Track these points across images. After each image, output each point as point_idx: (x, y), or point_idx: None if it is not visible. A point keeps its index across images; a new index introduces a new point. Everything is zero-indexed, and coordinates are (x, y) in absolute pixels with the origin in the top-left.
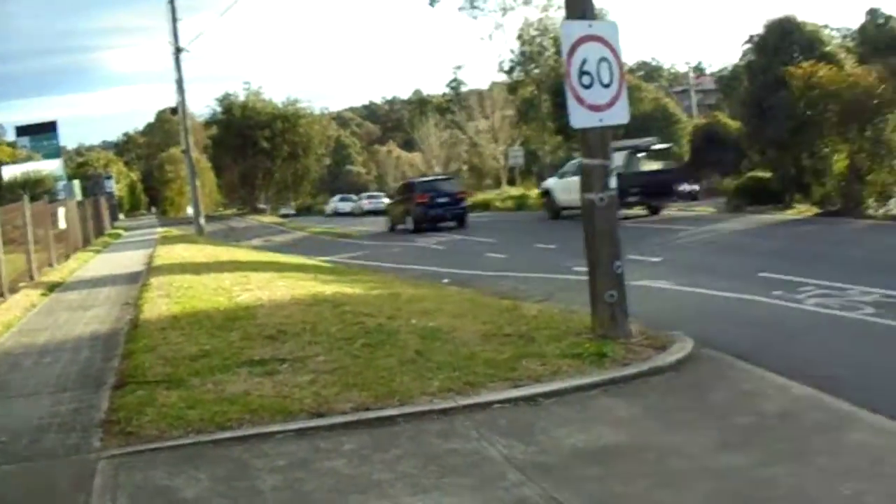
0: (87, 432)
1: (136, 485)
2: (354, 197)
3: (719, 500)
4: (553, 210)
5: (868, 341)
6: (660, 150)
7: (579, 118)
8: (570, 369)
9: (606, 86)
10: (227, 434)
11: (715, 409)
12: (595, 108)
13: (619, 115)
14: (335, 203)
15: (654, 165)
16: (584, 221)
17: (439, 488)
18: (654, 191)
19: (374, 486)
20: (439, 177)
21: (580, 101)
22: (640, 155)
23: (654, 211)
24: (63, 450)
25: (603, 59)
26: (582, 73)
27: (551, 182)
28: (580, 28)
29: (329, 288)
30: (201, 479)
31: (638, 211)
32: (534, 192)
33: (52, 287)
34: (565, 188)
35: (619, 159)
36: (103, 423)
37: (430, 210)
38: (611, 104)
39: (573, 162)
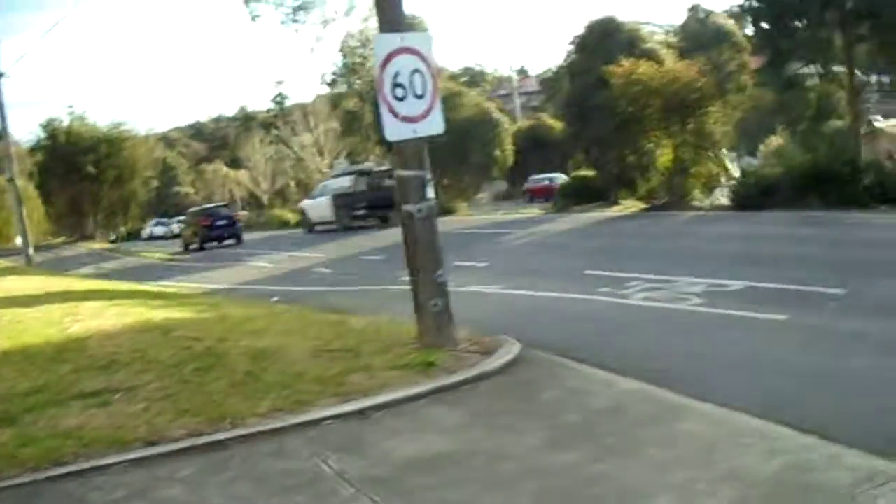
0: None
1: None
2: (167, 220)
3: (548, 498)
4: (308, 225)
5: (696, 331)
6: (383, 170)
7: (393, 130)
8: (398, 381)
9: (420, 97)
10: (63, 469)
11: (543, 410)
12: (409, 120)
13: (434, 126)
14: (150, 227)
15: (380, 183)
16: (403, 232)
17: None
18: (378, 205)
19: None
20: (219, 204)
21: (394, 113)
22: (366, 177)
23: (385, 220)
24: None
25: (416, 71)
26: (395, 85)
27: (305, 203)
28: (393, 41)
29: (159, 313)
30: None
31: (371, 222)
32: None
33: None
34: (315, 206)
35: (345, 183)
36: None
37: (213, 231)
38: (425, 115)
39: (322, 184)
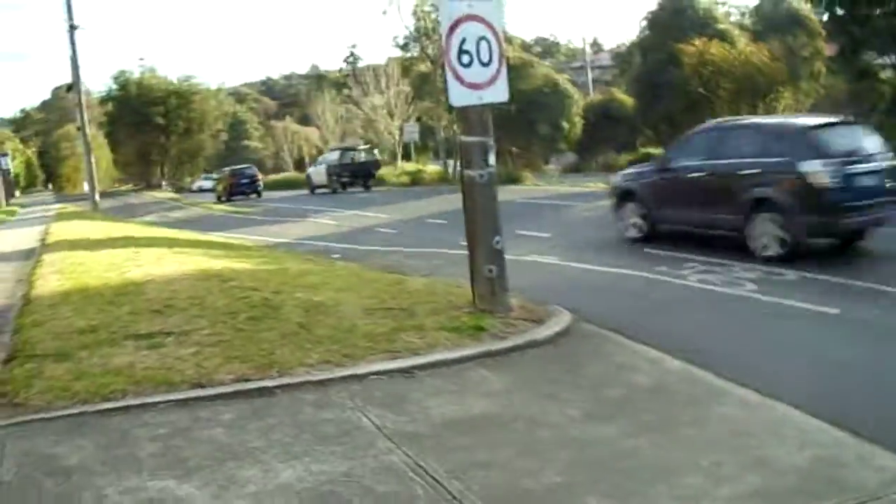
0: None
1: (22, 452)
2: (214, 175)
3: (580, 467)
4: (311, 187)
5: (746, 317)
6: (365, 149)
7: (458, 96)
8: (448, 342)
9: (486, 64)
10: (111, 404)
11: (586, 382)
12: (474, 87)
13: (499, 93)
14: (199, 181)
15: (360, 158)
16: (464, 198)
17: (310, 455)
18: (358, 174)
19: (248, 454)
20: (245, 166)
21: (460, 79)
22: (351, 152)
23: (367, 187)
24: None
25: (483, 38)
26: (461, 51)
27: (310, 169)
28: (460, 7)
29: (219, 263)
30: (85, 447)
31: (358, 188)
32: (430, 168)
33: None
34: (315, 173)
35: (335, 156)
36: None
37: (237, 187)
38: (490, 82)
39: (322, 157)
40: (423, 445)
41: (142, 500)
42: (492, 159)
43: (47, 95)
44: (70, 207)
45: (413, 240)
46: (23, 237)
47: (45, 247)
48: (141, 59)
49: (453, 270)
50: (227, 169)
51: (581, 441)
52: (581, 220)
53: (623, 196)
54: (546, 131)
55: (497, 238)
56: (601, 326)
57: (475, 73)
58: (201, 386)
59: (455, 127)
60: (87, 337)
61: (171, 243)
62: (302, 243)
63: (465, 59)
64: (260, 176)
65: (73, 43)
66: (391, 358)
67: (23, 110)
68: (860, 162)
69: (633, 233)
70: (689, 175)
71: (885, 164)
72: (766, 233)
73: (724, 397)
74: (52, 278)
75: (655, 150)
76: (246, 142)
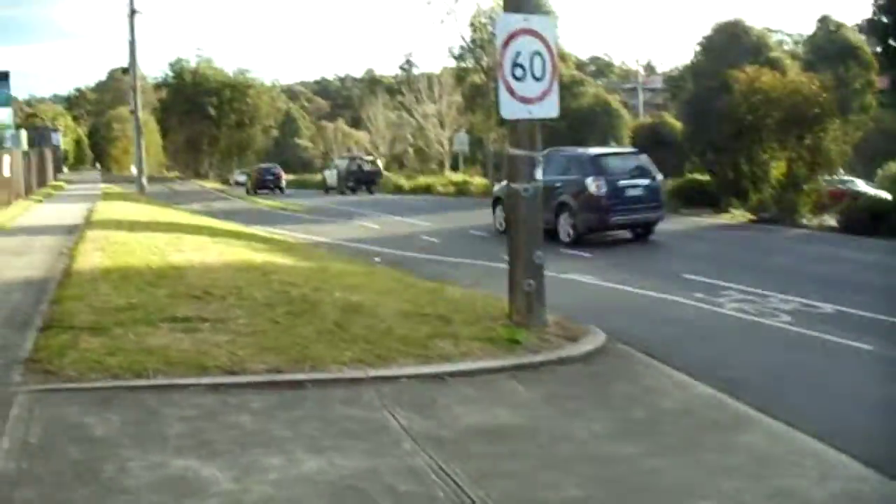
0: (9, 367)
1: (50, 418)
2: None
3: (600, 483)
4: (324, 187)
5: (779, 348)
6: (370, 160)
7: (509, 109)
8: (481, 352)
9: (538, 79)
10: (143, 382)
11: (613, 401)
12: (526, 101)
13: (550, 108)
14: (236, 176)
15: (365, 167)
16: (508, 210)
17: (335, 449)
18: (362, 180)
19: (274, 442)
20: (270, 165)
21: (511, 92)
22: (357, 161)
23: (370, 191)
24: None
25: (537, 53)
26: (515, 65)
27: (326, 172)
28: (516, 21)
29: (260, 256)
30: (112, 420)
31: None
32: (477, 180)
33: None
34: (329, 176)
35: (344, 163)
36: (25, 361)
37: (263, 181)
38: (541, 97)
39: (335, 163)
40: (447, 450)
41: (164, 476)
42: (538, 174)
43: (102, 76)
44: (116, 188)
45: (455, 250)
46: (67, 212)
47: (88, 224)
48: (198, 49)
49: (492, 283)
50: (256, 166)
51: (603, 458)
52: (623, 242)
53: (495, 201)
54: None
55: (538, 252)
56: (634, 348)
57: (527, 87)
58: (233, 373)
59: (504, 141)
60: (125, 315)
61: (213, 233)
62: (344, 244)
63: (519, 72)
64: (283, 174)
65: (132, 27)
66: (424, 362)
67: (77, 89)
68: (629, 179)
69: (500, 227)
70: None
71: (649, 181)
72: (565, 226)
73: (750, 426)
74: (94, 255)
75: (702, 177)
76: (296, 139)
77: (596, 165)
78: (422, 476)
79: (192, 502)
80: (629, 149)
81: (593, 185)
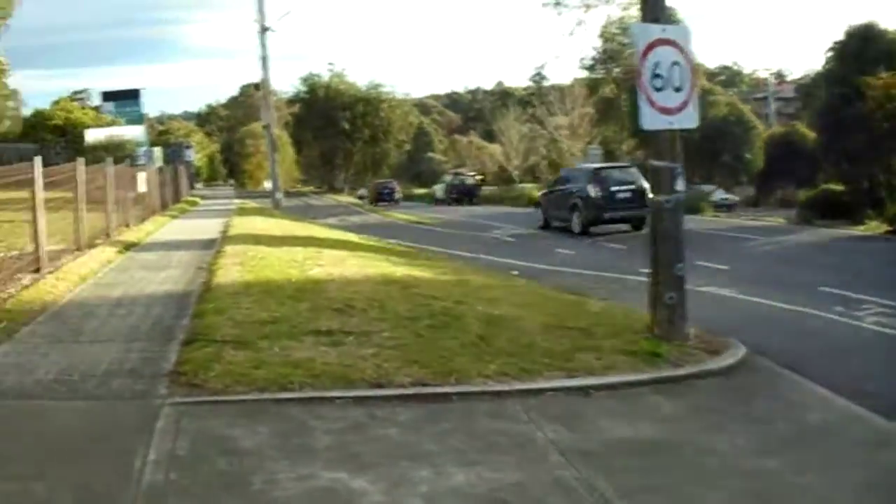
0: (154, 380)
1: (197, 430)
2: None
3: (745, 498)
4: (433, 200)
5: None
6: (471, 175)
7: (650, 120)
8: (624, 365)
9: (678, 90)
10: (289, 395)
11: (757, 415)
12: (666, 112)
13: (689, 119)
14: (360, 191)
15: (467, 182)
16: (650, 222)
17: (483, 463)
18: (464, 193)
19: (422, 455)
20: (387, 180)
21: (651, 103)
22: (460, 177)
23: (471, 202)
24: (130, 393)
25: (675, 63)
26: (654, 75)
27: (436, 187)
28: (654, 31)
29: (400, 270)
30: (260, 433)
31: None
32: None
33: (129, 246)
34: (438, 189)
35: (449, 178)
36: (170, 374)
37: (381, 194)
38: (681, 108)
39: (442, 178)
40: (594, 464)
41: (313, 488)
42: (680, 185)
43: (233, 92)
44: (251, 203)
45: (591, 262)
46: (203, 228)
47: (226, 238)
48: (330, 65)
49: (630, 296)
50: (374, 181)
51: (747, 472)
52: (760, 255)
53: (536, 204)
54: (728, 162)
55: (679, 265)
56: (774, 362)
57: (667, 98)
58: (379, 386)
59: (638, 153)
60: (268, 328)
61: (351, 246)
62: (481, 258)
63: (658, 83)
64: (398, 188)
65: (263, 43)
66: (568, 376)
67: (209, 105)
68: (619, 186)
69: (540, 223)
70: (553, 194)
71: (634, 187)
72: (576, 221)
73: (894, 443)
74: (234, 269)
75: (837, 187)
76: (429, 154)
77: (596, 176)
78: (569, 490)
79: None
80: (623, 164)
81: (592, 190)
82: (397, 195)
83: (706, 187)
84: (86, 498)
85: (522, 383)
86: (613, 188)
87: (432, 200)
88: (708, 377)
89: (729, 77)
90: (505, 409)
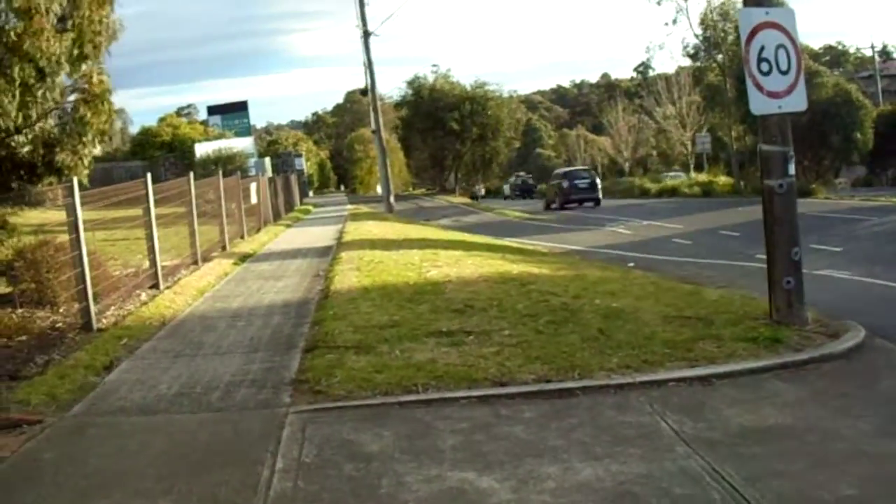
0: (277, 389)
1: (323, 437)
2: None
3: (874, 483)
4: (504, 196)
5: None
6: (528, 176)
7: (759, 105)
8: (745, 353)
9: (784, 73)
10: (413, 397)
11: (880, 398)
12: (774, 95)
13: (798, 101)
14: (476, 189)
15: (528, 181)
16: (763, 208)
17: (610, 456)
18: (525, 190)
19: (549, 451)
20: (578, 168)
21: (759, 87)
22: (522, 177)
23: (529, 196)
24: (254, 403)
25: (781, 46)
26: (760, 59)
27: (504, 185)
28: (758, 15)
29: (516, 267)
30: (385, 436)
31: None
32: (721, 179)
33: (244, 258)
34: (505, 187)
35: (513, 179)
36: (293, 382)
37: (518, 190)
38: (789, 91)
39: (510, 178)
40: (719, 452)
41: (442, 489)
42: (791, 169)
43: (339, 99)
44: (363, 208)
45: (707, 251)
46: (317, 235)
47: (341, 245)
48: (434, 66)
49: (747, 282)
50: (515, 176)
51: (874, 456)
52: (874, 235)
53: (542, 193)
54: (837, 143)
55: (795, 249)
56: (895, 344)
57: (774, 82)
58: (502, 384)
59: (746, 138)
60: (388, 332)
61: (466, 246)
62: (596, 251)
63: (765, 66)
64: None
65: (367, 48)
66: (689, 366)
67: (315, 114)
68: (579, 181)
69: (543, 207)
70: (550, 185)
71: (589, 182)
72: (557, 202)
73: None
74: (351, 274)
75: None
76: (538, 149)
77: (566, 174)
78: (697, 479)
79: None
80: (583, 167)
81: (564, 182)
82: (532, 190)
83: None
84: None
85: (645, 375)
86: (576, 182)
87: (503, 196)
88: (829, 361)
89: (833, 57)
90: (629, 402)
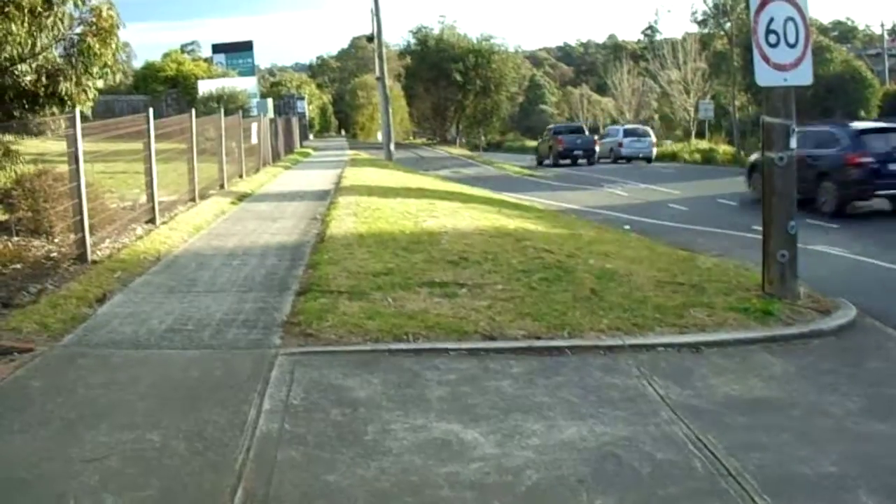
0: (269, 330)
1: (311, 380)
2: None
3: (854, 461)
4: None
5: None
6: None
7: (764, 76)
8: (735, 322)
9: (792, 46)
10: (403, 346)
11: (867, 377)
12: (780, 68)
13: (804, 75)
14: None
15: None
16: (762, 180)
17: (595, 416)
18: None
19: (534, 408)
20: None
21: (766, 59)
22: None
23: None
24: (244, 343)
25: (790, 19)
26: (769, 31)
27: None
28: None
29: (513, 222)
30: (374, 383)
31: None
32: (722, 148)
33: (242, 197)
34: (538, 147)
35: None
36: (284, 324)
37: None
38: (796, 64)
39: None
40: (704, 420)
41: (427, 438)
42: (793, 143)
43: (344, 44)
44: (363, 154)
45: (703, 218)
46: (316, 179)
47: (339, 190)
48: (441, 17)
49: (743, 253)
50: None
51: (857, 434)
52: (871, 214)
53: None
54: (840, 119)
55: (792, 223)
56: (885, 324)
57: (781, 54)
58: (492, 338)
59: (749, 108)
60: (382, 279)
61: (464, 199)
62: (593, 211)
63: (772, 38)
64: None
65: None
66: (679, 332)
67: (320, 57)
68: (576, 140)
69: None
70: (543, 141)
71: (586, 140)
72: (549, 158)
73: None
74: (348, 220)
75: None
76: (541, 106)
77: (560, 131)
78: (679, 445)
79: (455, 466)
80: (578, 124)
81: (560, 141)
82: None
83: None
84: (200, 446)
85: (634, 338)
86: (574, 140)
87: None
88: (819, 337)
89: (842, 33)
90: (617, 364)
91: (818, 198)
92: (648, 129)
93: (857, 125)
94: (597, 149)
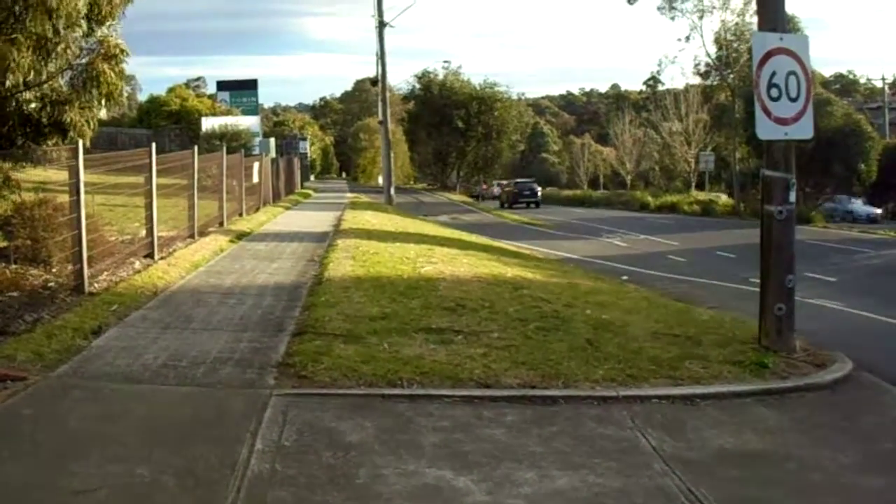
0: (263, 370)
1: (304, 422)
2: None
3: None
4: (500, 201)
5: None
6: (531, 181)
7: (765, 130)
8: (731, 375)
9: (793, 100)
10: (397, 391)
11: (862, 432)
12: (781, 122)
13: (805, 130)
14: (481, 188)
15: (526, 190)
16: (761, 233)
17: (587, 467)
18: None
19: (527, 457)
20: (529, 179)
21: (767, 112)
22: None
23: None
24: (238, 382)
25: (792, 73)
26: (771, 85)
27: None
28: (772, 40)
29: (511, 271)
30: (367, 427)
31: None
32: (722, 199)
33: (241, 236)
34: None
35: (506, 185)
36: (279, 365)
37: (519, 196)
38: (797, 118)
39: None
40: (697, 473)
41: (418, 484)
42: (792, 196)
43: (348, 87)
44: (363, 197)
45: (701, 270)
46: (315, 220)
47: (338, 232)
48: (445, 62)
49: (739, 305)
50: (513, 180)
51: (851, 488)
52: (869, 268)
53: (497, 197)
54: (840, 172)
55: (790, 277)
56: (881, 378)
57: (783, 108)
58: (487, 386)
59: (750, 160)
60: (378, 323)
61: (463, 245)
62: (591, 261)
63: (774, 92)
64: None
65: (381, 39)
66: (674, 384)
67: (323, 99)
68: (525, 187)
69: (497, 205)
70: (505, 191)
71: (532, 189)
72: (509, 202)
73: None
74: (345, 263)
75: None
76: (543, 154)
77: (519, 184)
78: (671, 498)
79: None
80: (529, 179)
81: (515, 188)
82: (537, 194)
83: (852, 201)
84: (190, 483)
85: (629, 389)
86: (523, 189)
87: (499, 202)
88: (814, 391)
89: (843, 86)
90: (611, 415)
91: None
92: (534, 182)
93: None
94: (539, 195)
